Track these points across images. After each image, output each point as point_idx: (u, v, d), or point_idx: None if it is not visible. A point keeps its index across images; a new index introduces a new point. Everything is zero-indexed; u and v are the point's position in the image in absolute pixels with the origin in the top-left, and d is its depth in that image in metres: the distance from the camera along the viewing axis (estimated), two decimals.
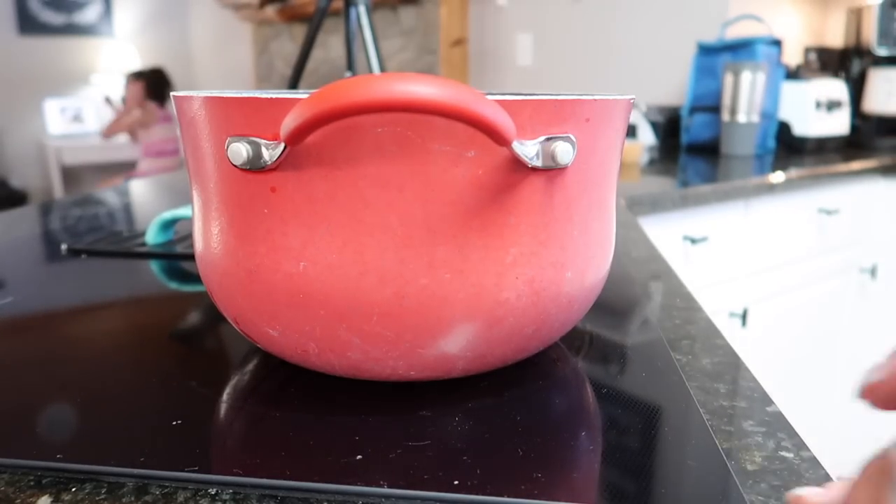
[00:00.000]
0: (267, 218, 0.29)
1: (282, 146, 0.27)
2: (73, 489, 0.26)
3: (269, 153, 0.28)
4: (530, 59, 2.31)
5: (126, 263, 0.57)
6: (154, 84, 3.41)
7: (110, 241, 0.64)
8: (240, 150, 0.28)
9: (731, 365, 0.38)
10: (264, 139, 0.28)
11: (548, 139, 0.28)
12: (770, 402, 0.34)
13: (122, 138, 3.46)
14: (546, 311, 0.32)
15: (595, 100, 0.30)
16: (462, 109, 0.23)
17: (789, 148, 1.63)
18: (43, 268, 0.56)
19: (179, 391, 0.33)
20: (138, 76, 3.39)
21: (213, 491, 0.26)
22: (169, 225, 0.63)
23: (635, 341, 0.40)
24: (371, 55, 1.22)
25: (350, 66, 1.25)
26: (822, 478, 0.27)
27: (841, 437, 1.62)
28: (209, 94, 0.29)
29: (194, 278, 0.53)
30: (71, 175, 4.19)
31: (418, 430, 0.30)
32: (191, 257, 0.59)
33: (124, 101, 3.59)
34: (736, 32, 1.77)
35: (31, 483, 0.27)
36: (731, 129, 1.53)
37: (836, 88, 1.64)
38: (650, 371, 0.36)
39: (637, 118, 1.62)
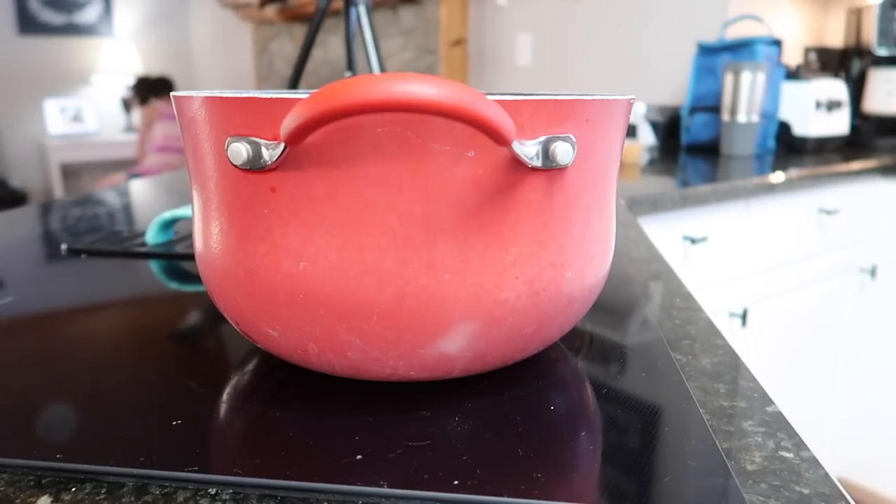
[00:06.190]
0: (267, 218, 0.29)
1: (282, 146, 0.27)
2: (73, 489, 0.26)
3: (269, 153, 0.28)
4: (530, 59, 2.31)
5: (126, 263, 0.57)
6: (143, 91, 3.43)
7: (110, 241, 0.64)
8: (240, 150, 0.28)
9: (731, 365, 0.38)
10: (264, 139, 0.28)
11: (548, 139, 0.28)
12: (770, 402, 0.34)
13: (121, 137, 3.47)
14: (546, 311, 0.32)
15: (595, 100, 0.30)
16: (462, 109, 0.23)
17: (789, 148, 1.63)
18: (43, 268, 0.56)
19: (179, 391, 0.33)
20: (145, 98, 3.41)
21: (213, 491, 0.26)
22: (169, 225, 0.63)
23: (635, 341, 0.40)
24: (371, 55, 1.22)
25: (350, 66, 1.25)
26: (822, 478, 0.27)
27: (841, 437, 1.62)
28: (209, 94, 0.29)
29: (194, 278, 0.53)
30: (71, 175, 4.19)
31: (418, 430, 0.30)
32: (191, 257, 0.59)
33: (124, 102, 3.60)
34: (736, 32, 1.77)
35: (31, 483, 0.27)
36: (731, 129, 1.53)
37: (836, 88, 1.64)
38: (650, 371, 0.36)
39: (637, 118, 1.62)
